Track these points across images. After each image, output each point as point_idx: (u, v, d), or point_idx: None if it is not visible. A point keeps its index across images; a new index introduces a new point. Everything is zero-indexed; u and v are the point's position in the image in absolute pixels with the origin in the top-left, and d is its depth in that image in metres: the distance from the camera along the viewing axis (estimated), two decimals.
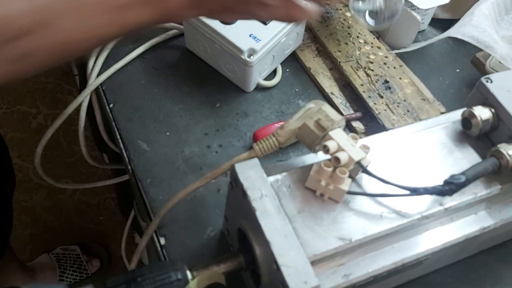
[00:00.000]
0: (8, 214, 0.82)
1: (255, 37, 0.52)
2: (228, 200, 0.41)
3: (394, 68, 0.58)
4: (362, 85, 0.57)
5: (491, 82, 0.40)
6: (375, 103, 0.55)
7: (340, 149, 0.35)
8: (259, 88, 0.57)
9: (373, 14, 0.54)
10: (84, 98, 0.55)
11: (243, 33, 0.52)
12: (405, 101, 0.56)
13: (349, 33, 0.61)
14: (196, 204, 0.47)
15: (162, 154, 0.50)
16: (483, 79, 0.40)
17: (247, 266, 0.38)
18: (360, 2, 0.53)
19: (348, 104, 0.57)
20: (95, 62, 0.56)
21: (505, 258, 0.47)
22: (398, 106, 0.55)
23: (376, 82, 0.57)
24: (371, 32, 0.61)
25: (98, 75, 0.55)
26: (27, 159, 1.35)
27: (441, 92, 0.59)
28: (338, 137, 0.36)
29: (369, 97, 0.56)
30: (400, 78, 0.58)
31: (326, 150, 0.35)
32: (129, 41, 0.57)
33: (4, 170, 0.77)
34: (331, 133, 0.36)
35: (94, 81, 0.54)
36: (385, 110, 0.54)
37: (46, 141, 0.59)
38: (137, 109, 0.54)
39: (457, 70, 0.62)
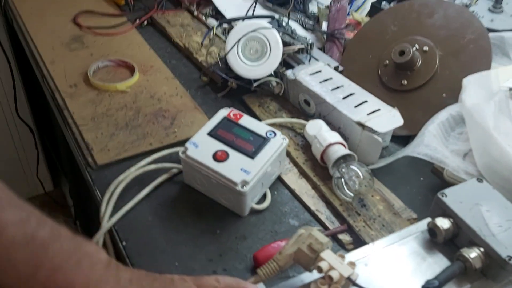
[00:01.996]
0: None
1: (246, 170, 0.60)
2: None
3: (365, 187, 0.67)
4: (341, 204, 0.65)
5: (446, 196, 0.49)
6: (354, 221, 0.63)
7: (331, 268, 0.42)
8: (252, 211, 0.65)
9: (349, 187, 0.64)
10: (98, 238, 0.61)
11: (234, 168, 0.61)
12: (379, 216, 0.64)
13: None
14: None
15: None
16: (438, 195, 0.49)
17: None
18: (343, 181, 0.64)
19: (333, 218, 0.65)
20: (106, 206, 0.63)
21: None
22: (374, 222, 0.62)
23: (353, 201, 0.66)
24: None
25: (110, 217, 0.62)
26: None
27: (410, 199, 0.67)
28: (328, 257, 0.43)
29: (349, 215, 0.64)
30: (372, 196, 0.67)
31: (319, 270, 0.42)
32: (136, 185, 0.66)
33: None
34: (322, 254, 0.43)
35: (107, 223, 0.61)
36: (364, 226, 0.62)
37: None
38: (147, 244, 0.60)
39: (421, 179, 0.71)
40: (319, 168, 0.70)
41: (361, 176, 0.63)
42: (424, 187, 0.70)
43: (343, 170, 0.65)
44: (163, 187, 0.67)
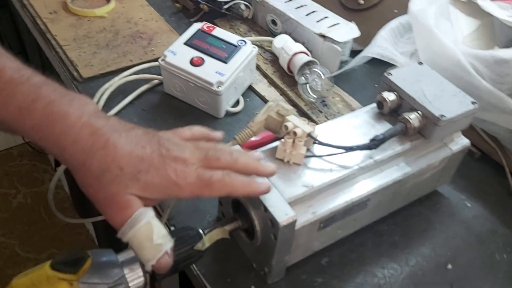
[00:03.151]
0: None
1: (220, 73, 0.68)
2: None
3: (327, 90, 0.75)
4: (305, 105, 0.74)
5: (391, 75, 0.57)
6: (317, 117, 0.72)
7: (295, 126, 0.50)
8: (228, 114, 0.72)
9: (313, 89, 0.73)
10: None
11: (210, 71, 0.68)
12: (339, 113, 0.73)
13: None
14: (194, 200, 0.60)
15: None
16: (385, 73, 0.58)
17: (242, 225, 0.51)
18: (308, 85, 0.72)
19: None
20: None
21: (432, 207, 0.63)
22: (334, 117, 0.71)
23: (316, 101, 0.74)
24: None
25: None
26: (11, 236, 1.42)
27: (366, 102, 0.75)
28: (293, 119, 0.51)
29: (312, 113, 0.73)
30: (333, 97, 0.76)
31: (286, 128, 0.50)
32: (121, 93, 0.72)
33: None
34: (288, 117, 0.51)
35: None
36: (325, 120, 0.71)
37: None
38: None
39: (376, 85, 0.80)
40: (286, 77, 0.78)
41: (323, 77, 0.72)
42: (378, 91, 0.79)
43: (307, 74, 0.73)
44: (145, 96, 0.74)
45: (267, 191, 0.46)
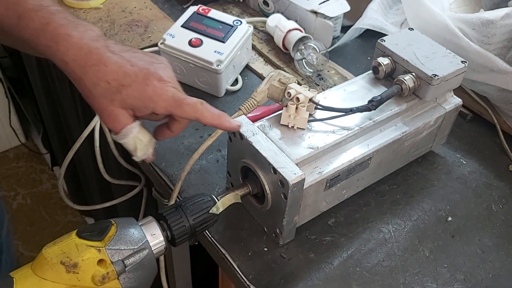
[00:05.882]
0: None
1: (219, 52, 0.70)
2: (228, 155, 0.57)
3: (322, 64, 0.78)
4: (302, 79, 0.77)
5: (385, 41, 0.60)
6: (315, 90, 0.74)
7: (298, 92, 0.53)
8: (228, 93, 0.75)
9: (308, 64, 0.75)
10: (94, 124, 0.70)
11: (209, 51, 0.70)
12: (335, 85, 0.75)
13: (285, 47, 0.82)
14: (203, 174, 0.62)
15: (168, 148, 0.66)
16: (379, 40, 0.60)
17: (252, 190, 0.53)
18: (304, 61, 0.75)
19: None
20: None
21: (429, 166, 0.66)
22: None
23: (312, 76, 0.77)
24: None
25: None
26: (14, 237, 1.43)
27: (359, 74, 0.79)
28: (295, 86, 0.54)
29: (310, 86, 0.75)
30: (328, 71, 0.78)
31: (289, 94, 0.53)
32: None
33: None
34: (290, 85, 0.54)
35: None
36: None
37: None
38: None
39: (368, 58, 0.83)
40: (281, 55, 0.81)
41: (318, 50, 0.74)
42: (371, 64, 0.81)
43: (303, 50, 0.75)
44: None
45: (236, 128, 0.51)
